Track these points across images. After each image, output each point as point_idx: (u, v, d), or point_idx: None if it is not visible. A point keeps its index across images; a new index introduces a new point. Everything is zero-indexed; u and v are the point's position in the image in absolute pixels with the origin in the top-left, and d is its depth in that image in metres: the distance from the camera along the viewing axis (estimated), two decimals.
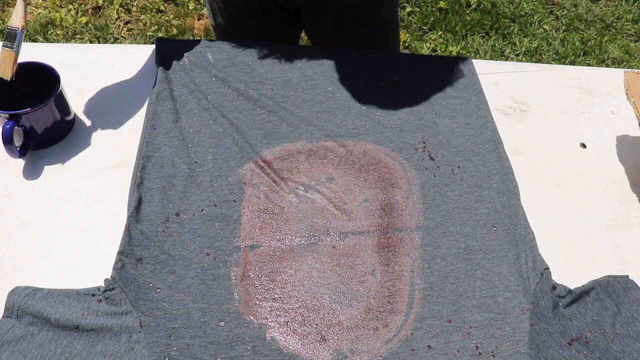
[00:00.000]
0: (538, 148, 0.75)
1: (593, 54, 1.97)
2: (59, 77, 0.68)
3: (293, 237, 0.62)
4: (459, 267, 0.61)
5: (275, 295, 0.58)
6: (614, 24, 2.11)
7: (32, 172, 0.66)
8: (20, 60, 0.70)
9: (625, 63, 1.96)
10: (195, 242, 0.61)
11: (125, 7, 1.99)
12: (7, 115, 0.63)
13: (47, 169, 0.67)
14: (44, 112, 0.66)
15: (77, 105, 0.74)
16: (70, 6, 1.96)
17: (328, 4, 0.86)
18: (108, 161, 0.68)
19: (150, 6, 2.00)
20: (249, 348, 0.54)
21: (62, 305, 0.54)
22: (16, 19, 0.66)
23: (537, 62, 1.92)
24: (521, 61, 1.91)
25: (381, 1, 0.87)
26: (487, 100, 0.79)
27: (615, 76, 0.87)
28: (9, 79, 0.66)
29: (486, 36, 2.02)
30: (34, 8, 1.96)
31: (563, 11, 2.15)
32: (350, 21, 0.88)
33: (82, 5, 1.98)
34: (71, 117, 0.71)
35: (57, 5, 1.96)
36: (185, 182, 0.66)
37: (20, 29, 0.66)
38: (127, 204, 0.63)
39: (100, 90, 0.76)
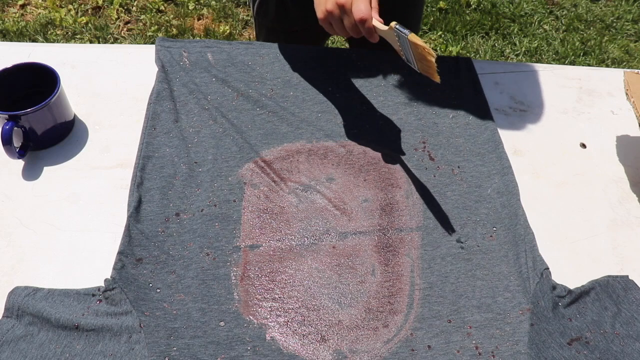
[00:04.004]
0: (538, 148, 0.75)
1: (593, 54, 1.97)
2: (59, 77, 0.68)
3: (293, 237, 0.62)
4: (459, 267, 0.61)
5: (275, 295, 0.58)
6: (614, 24, 2.11)
7: (31, 172, 0.66)
8: (20, 60, 0.70)
9: (625, 63, 1.96)
10: (195, 242, 0.61)
11: (125, 7, 1.99)
12: (7, 115, 0.63)
13: (47, 170, 0.67)
14: (43, 112, 0.65)
15: (77, 105, 0.74)
16: (70, 6, 1.96)
17: None
18: (108, 161, 0.68)
19: (150, 6, 2.00)
20: (249, 348, 0.54)
21: (62, 305, 0.54)
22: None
23: (537, 62, 1.92)
24: (521, 61, 1.91)
25: None
26: (487, 100, 0.79)
27: (615, 76, 0.87)
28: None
29: (486, 36, 2.02)
30: (33, 8, 1.96)
31: (563, 11, 2.15)
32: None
33: (82, 5, 1.98)
34: (71, 117, 0.71)
35: (57, 5, 1.96)
36: (185, 182, 0.66)
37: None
38: (127, 204, 0.63)
39: (100, 90, 0.76)
